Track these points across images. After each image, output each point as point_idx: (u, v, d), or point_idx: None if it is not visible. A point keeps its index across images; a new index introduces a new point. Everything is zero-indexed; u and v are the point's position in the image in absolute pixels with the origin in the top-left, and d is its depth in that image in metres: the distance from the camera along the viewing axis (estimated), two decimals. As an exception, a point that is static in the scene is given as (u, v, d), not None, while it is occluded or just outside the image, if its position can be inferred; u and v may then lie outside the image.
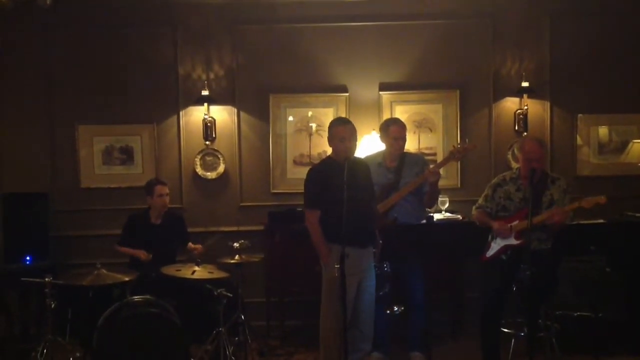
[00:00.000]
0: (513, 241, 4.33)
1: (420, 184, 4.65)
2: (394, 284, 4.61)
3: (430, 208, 4.98)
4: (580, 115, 5.93)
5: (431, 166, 4.66)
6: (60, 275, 4.63)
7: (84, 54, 5.84)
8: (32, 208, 5.49)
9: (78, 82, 5.85)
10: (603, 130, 5.98)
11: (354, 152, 4.29)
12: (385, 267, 4.29)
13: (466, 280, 5.45)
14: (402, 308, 4.43)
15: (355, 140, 4.26)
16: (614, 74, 5.88)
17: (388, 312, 4.56)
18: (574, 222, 4.23)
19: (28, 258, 5.37)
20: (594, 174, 5.91)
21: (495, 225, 4.37)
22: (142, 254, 4.98)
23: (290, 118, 5.92)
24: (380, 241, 4.25)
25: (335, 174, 4.00)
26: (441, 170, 5.59)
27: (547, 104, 5.90)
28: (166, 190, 5.20)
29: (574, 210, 4.23)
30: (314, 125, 5.88)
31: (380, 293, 4.38)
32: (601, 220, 4.23)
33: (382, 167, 4.80)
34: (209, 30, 5.87)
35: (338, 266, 3.69)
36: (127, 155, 5.93)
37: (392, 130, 4.78)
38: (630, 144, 5.98)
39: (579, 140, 5.96)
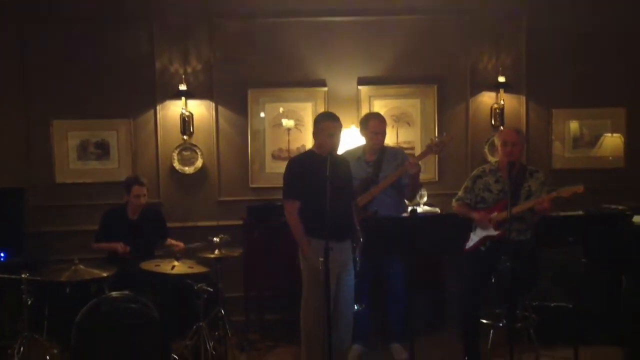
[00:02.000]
0: (492, 232, 4.39)
1: (399, 177, 4.67)
2: (371, 278, 4.67)
3: (411, 200, 5.02)
4: (555, 109, 6.03)
5: (412, 159, 4.67)
6: (37, 271, 4.55)
7: (59, 48, 5.76)
8: (7, 204, 5.41)
9: (53, 77, 5.75)
10: (577, 125, 6.08)
11: (338, 148, 4.31)
12: (356, 263, 4.29)
13: (447, 272, 5.49)
14: (363, 306, 4.44)
15: (340, 136, 4.28)
16: (589, 68, 5.97)
17: None
18: (552, 214, 4.29)
19: (2, 254, 5.27)
20: (569, 167, 6.00)
21: (476, 215, 4.43)
22: (119, 247, 4.91)
23: (262, 114, 5.88)
24: (362, 239, 4.26)
25: (316, 167, 4.00)
26: (420, 165, 5.68)
27: (523, 99, 5.99)
28: (144, 191, 5.09)
29: (552, 200, 4.30)
30: (286, 121, 5.86)
31: None
32: (579, 212, 4.30)
33: (362, 161, 4.82)
34: (186, 24, 5.84)
35: (322, 259, 3.69)
36: (102, 150, 5.85)
37: (372, 125, 4.80)
38: (602, 138, 6.09)
39: (553, 134, 6.05)
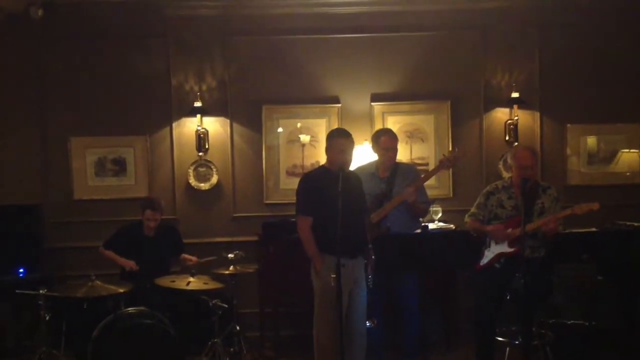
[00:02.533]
0: (506, 249, 4.38)
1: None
2: (385, 295, 4.66)
3: (421, 218, 5.01)
4: (569, 125, 6.01)
5: (410, 188, 4.64)
6: (55, 287, 4.63)
7: (76, 66, 5.85)
8: (25, 220, 5.47)
9: (70, 94, 5.85)
10: (592, 140, 6.06)
11: (350, 164, 4.33)
12: (369, 281, 4.29)
13: (461, 288, 5.48)
14: (375, 322, 4.43)
15: (352, 152, 4.30)
16: (603, 84, 5.97)
17: None
18: (566, 231, 4.28)
19: (21, 270, 5.35)
20: (584, 183, 5.98)
21: (490, 228, 4.42)
22: (126, 263, 4.95)
23: (280, 129, 5.94)
24: (373, 256, 4.27)
25: (329, 183, 4.03)
26: (434, 181, 5.69)
27: (537, 114, 5.98)
28: (156, 216, 5.10)
29: (566, 217, 4.29)
30: (303, 137, 5.90)
31: None
32: (593, 229, 4.28)
33: (375, 177, 4.84)
34: (201, 42, 5.90)
35: (334, 276, 3.70)
36: (119, 166, 5.92)
37: (383, 141, 4.83)
38: (619, 154, 6.06)
39: (568, 150, 6.04)
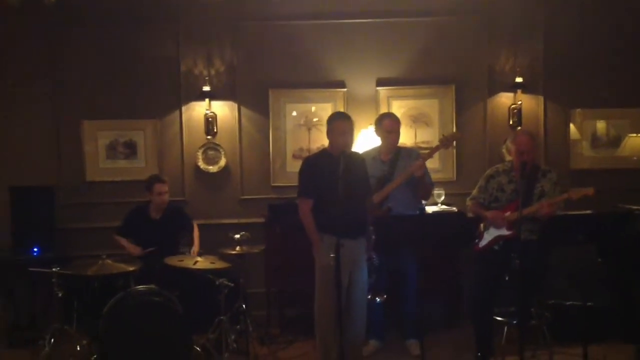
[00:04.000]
0: (505, 232, 4.47)
1: (412, 175, 4.77)
2: (386, 275, 4.77)
3: (425, 200, 5.11)
4: (573, 109, 6.05)
5: (420, 160, 4.77)
6: (67, 266, 4.76)
7: (88, 50, 5.96)
8: (39, 201, 5.61)
9: (83, 79, 5.97)
10: (596, 125, 6.10)
11: (351, 147, 4.41)
12: (374, 259, 4.41)
13: (461, 270, 5.56)
14: (385, 297, 4.53)
15: (353, 135, 4.39)
16: (607, 69, 6.00)
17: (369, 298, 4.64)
18: (562, 213, 4.35)
19: (35, 249, 5.50)
20: (588, 168, 6.04)
21: (489, 215, 4.51)
22: (132, 249, 5.09)
23: (293, 113, 6.04)
24: (373, 236, 4.37)
25: (330, 166, 4.10)
26: (438, 164, 5.77)
27: (541, 99, 6.03)
28: (165, 188, 5.26)
29: (564, 202, 4.36)
30: (307, 119, 6.00)
31: None
32: (589, 211, 4.36)
33: (378, 161, 4.95)
34: (209, 27, 5.99)
35: (333, 255, 3.81)
36: (130, 149, 6.05)
37: (385, 124, 4.93)
38: (626, 138, 6.10)
39: (572, 134, 6.08)
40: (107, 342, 4.36)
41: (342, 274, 3.91)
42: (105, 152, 6.02)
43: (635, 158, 6.10)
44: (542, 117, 6.04)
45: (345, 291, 4.13)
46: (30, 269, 4.73)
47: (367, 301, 4.39)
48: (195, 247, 5.29)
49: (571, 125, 6.07)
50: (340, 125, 4.29)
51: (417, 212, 4.76)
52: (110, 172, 6.03)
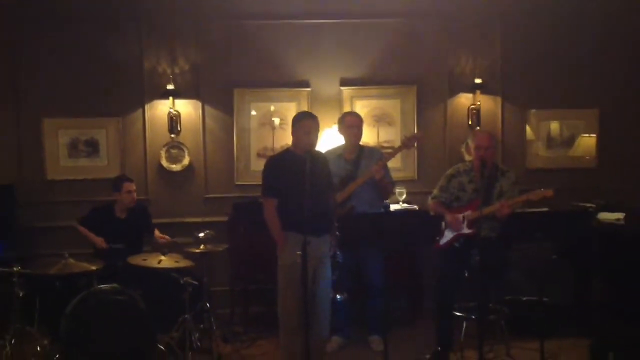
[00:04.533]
0: (465, 230, 4.59)
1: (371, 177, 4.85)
2: (349, 272, 4.85)
3: (385, 199, 5.20)
4: (530, 110, 6.22)
5: (380, 161, 4.85)
6: (28, 265, 4.68)
7: (50, 48, 5.90)
8: (-2, 199, 5.54)
9: (44, 76, 5.91)
10: (552, 125, 6.27)
11: (315, 146, 4.46)
12: (338, 256, 4.48)
13: (424, 267, 5.67)
14: (345, 295, 4.60)
15: (318, 134, 4.45)
16: (563, 70, 6.17)
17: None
18: (520, 210, 4.49)
19: (-6, 249, 5.43)
20: (543, 167, 6.21)
21: (448, 217, 4.62)
22: (98, 241, 5.06)
23: (254, 112, 6.07)
24: (337, 233, 4.45)
25: (294, 165, 4.15)
26: (399, 163, 5.87)
27: (499, 100, 6.18)
28: (133, 187, 5.27)
29: (523, 202, 4.50)
30: (276, 120, 6.03)
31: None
32: (545, 209, 4.51)
33: (341, 159, 5.02)
34: (173, 25, 5.99)
35: (299, 253, 3.86)
36: (92, 148, 6.01)
37: (347, 120, 5.04)
38: (579, 138, 6.28)
39: (528, 134, 6.25)
40: (70, 342, 4.29)
41: (307, 271, 3.96)
42: (66, 150, 5.97)
43: (588, 157, 6.28)
44: (500, 118, 6.19)
45: (309, 288, 4.17)
46: (-10, 268, 4.65)
47: (330, 298, 4.44)
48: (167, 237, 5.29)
49: (527, 125, 6.23)
50: (306, 124, 4.33)
51: (382, 210, 4.84)
52: (72, 170, 5.98)
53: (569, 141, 6.30)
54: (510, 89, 6.18)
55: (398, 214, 5.01)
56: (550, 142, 6.28)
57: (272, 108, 6.06)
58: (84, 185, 5.94)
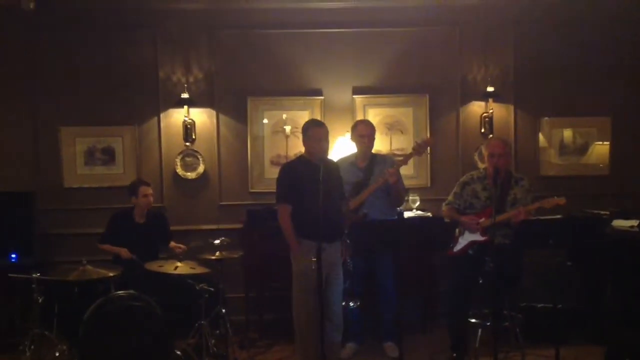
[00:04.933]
0: (479, 237, 4.62)
1: (387, 182, 4.88)
2: (362, 279, 4.88)
3: (399, 206, 5.23)
4: (543, 118, 6.24)
5: (393, 167, 4.88)
6: (47, 271, 4.74)
7: (67, 57, 5.99)
8: (17, 207, 5.61)
9: (61, 85, 5.99)
10: (565, 133, 6.29)
11: (327, 152, 4.53)
12: (349, 264, 4.51)
13: (438, 273, 5.68)
14: (358, 302, 4.63)
15: (328, 141, 4.50)
16: (575, 78, 6.20)
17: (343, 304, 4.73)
18: (534, 218, 4.52)
19: (14, 255, 5.48)
20: (556, 174, 6.23)
21: (464, 219, 4.65)
22: (123, 252, 5.09)
23: (266, 120, 6.13)
24: (348, 241, 4.49)
25: (308, 172, 4.22)
26: (413, 171, 5.89)
27: (512, 108, 6.20)
28: (150, 190, 5.32)
29: (535, 209, 4.52)
30: (287, 128, 6.07)
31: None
32: (558, 216, 4.53)
33: (354, 167, 5.06)
34: (187, 35, 6.06)
35: (314, 259, 3.90)
36: (108, 156, 6.08)
37: (359, 129, 5.07)
38: (593, 146, 6.30)
39: (541, 142, 6.27)
40: (88, 347, 4.36)
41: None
42: (83, 158, 6.04)
43: (601, 165, 6.29)
44: (512, 125, 6.21)
45: (321, 294, 4.20)
46: (10, 274, 4.71)
47: (342, 303, 4.48)
48: (182, 246, 5.33)
49: (540, 133, 6.26)
50: (317, 132, 4.41)
51: (395, 217, 4.88)
52: (89, 178, 6.05)
53: (582, 149, 6.31)
54: (523, 97, 6.20)
55: (412, 221, 5.04)
56: (562, 149, 6.29)
57: (285, 116, 6.11)
58: (100, 192, 6.00)
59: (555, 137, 6.28)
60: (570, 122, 6.30)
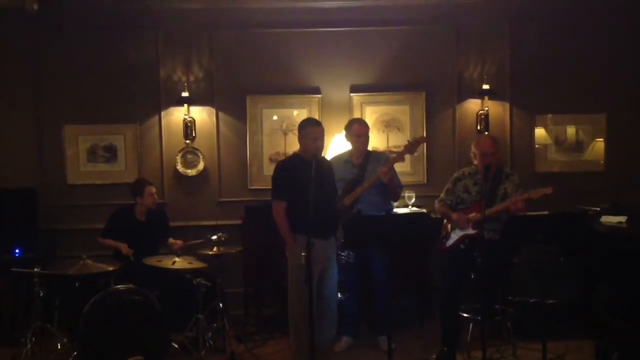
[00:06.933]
0: (470, 231, 4.69)
1: (380, 179, 4.96)
2: (356, 274, 4.99)
3: (395, 201, 5.31)
4: (538, 115, 6.28)
5: (386, 164, 4.95)
6: (49, 266, 4.89)
7: (69, 56, 6.10)
8: (21, 203, 5.75)
9: (64, 84, 6.10)
10: (559, 130, 6.33)
11: (322, 151, 4.62)
12: (343, 257, 4.60)
13: (433, 269, 5.72)
14: (347, 295, 4.75)
15: (324, 140, 4.58)
16: (570, 76, 6.23)
17: None
18: (522, 214, 4.58)
19: (17, 250, 5.60)
20: (552, 171, 6.27)
21: (454, 217, 4.74)
22: (123, 248, 5.17)
23: (266, 118, 6.22)
24: (342, 240, 4.59)
25: (302, 170, 4.31)
26: (409, 168, 5.96)
27: (507, 105, 6.25)
28: (154, 189, 5.43)
29: (525, 202, 4.58)
30: (283, 124, 6.18)
31: None
32: (545, 212, 4.59)
33: (349, 164, 5.15)
34: (188, 35, 6.16)
35: (304, 254, 4.00)
36: (111, 153, 6.19)
37: (355, 129, 5.15)
38: (593, 143, 6.33)
39: (537, 139, 6.31)
40: (87, 339, 4.48)
41: (314, 272, 4.09)
42: (86, 155, 6.16)
43: (602, 161, 6.32)
44: (508, 123, 6.26)
45: (316, 288, 4.30)
46: (13, 269, 4.84)
47: (337, 298, 4.58)
48: (179, 242, 5.43)
49: (536, 130, 6.31)
50: (313, 131, 4.48)
51: (383, 212, 4.97)
52: (91, 175, 6.16)
53: (577, 146, 6.34)
54: (518, 95, 6.24)
55: (401, 217, 5.11)
56: (558, 146, 6.33)
57: (285, 114, 6.20)
58: (102, 189, 6.12)
59: (550, 134, 6.33)
60: (565, 119, 6.33)
